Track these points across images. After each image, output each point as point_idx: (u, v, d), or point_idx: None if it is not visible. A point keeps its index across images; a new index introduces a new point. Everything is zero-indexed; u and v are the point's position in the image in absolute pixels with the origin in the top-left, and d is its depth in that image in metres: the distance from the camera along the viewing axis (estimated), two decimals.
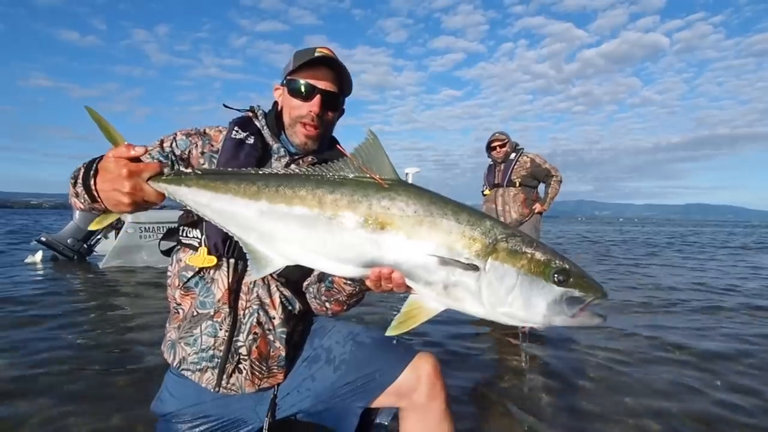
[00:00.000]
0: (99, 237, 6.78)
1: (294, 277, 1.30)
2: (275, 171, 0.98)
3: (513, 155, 4.94)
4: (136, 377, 2.17)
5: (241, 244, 1.00)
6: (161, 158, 1.27)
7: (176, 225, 1.35)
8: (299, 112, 1.28)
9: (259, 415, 1.34)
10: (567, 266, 0.85)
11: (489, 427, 1.80)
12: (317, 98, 1.26)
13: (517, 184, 4.89)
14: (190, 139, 1.32)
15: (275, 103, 1.41)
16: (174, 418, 1.33)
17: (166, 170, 0.99)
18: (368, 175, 0.91)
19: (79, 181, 1.04)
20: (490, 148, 5.01)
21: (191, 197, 1.01)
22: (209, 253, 1.23)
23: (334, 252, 0.91)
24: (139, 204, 0.98)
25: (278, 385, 1.33)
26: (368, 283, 0.96)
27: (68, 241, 6.49)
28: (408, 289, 0.93)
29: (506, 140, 4.95)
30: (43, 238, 6.59)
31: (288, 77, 1.30)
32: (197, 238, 1.26)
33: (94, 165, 1.01)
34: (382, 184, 0.90)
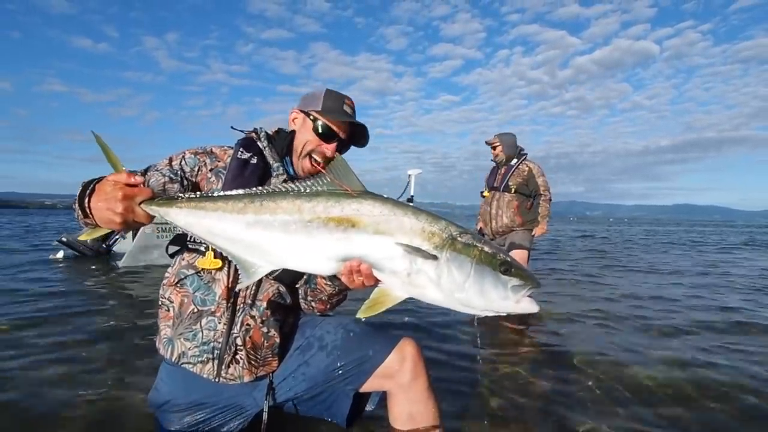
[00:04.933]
0: (117, 237, 6.86)
1: (287, 277, 1.37)
2: (259, 190, 1.06)
3: (515, 161, 4.93)
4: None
5: (230, 257, 1.09)
6: (171, 175, 1.31)
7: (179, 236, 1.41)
8: (313, 148, 1.39)
9: (256, 401, 1.39)
10: (509, 259, 0.96)
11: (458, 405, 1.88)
12: (334, 144, 1.38)
13: (512, 191, 4.88)
14: (198, 157, 1.39)
15: (281, 129, 1.49)
16: (171, 407, 1.37)
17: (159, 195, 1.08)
18: (339, 187, 1.02)
19: (77, 198, 1.08)
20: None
21: (181, 218, 1.08)
22: (215, 257, 1.30)
23: (313, 252, 1.01)
24: (130, 224, 1.05)
25: (273, 372, 1.39)
26: (342, 278, 1.05)
27: (87, 241, 6.56)
28: (376, 281, 1.03)
29: (497, 143, 4.99)
30: (63, 239, 6.66)
31: (314, 113, 1.39)
32: (203, 243, 1.30)
33: (92, 185, 1.06)
34: (352, 192, 1.01)
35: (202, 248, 1.33)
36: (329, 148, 1.38)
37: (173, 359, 1.33)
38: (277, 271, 1.26)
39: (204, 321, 1.32)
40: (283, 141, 1.45)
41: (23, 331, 2.71)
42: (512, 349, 2.64)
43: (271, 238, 1.02)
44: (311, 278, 1.39)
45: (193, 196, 1.10)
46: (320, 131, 1.38)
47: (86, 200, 1.05)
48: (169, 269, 1.41)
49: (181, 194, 1.12)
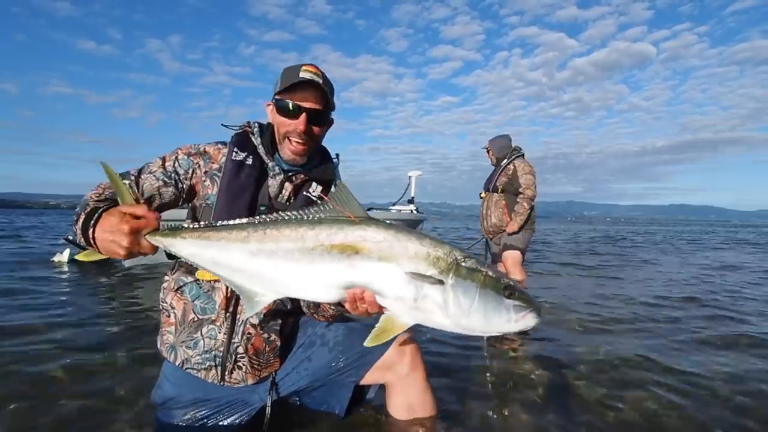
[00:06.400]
0: None
1: None
2: (262, 218, 1.04)
3: (505, 161, 4.99)
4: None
5: (232, 287, 1.07)
6: (165, 179, 1.28)
7: None
8: (286, 129, 1.30)
9: (260, 396, 1.39)
10: (512, 284, 0.97)
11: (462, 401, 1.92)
12: (303, 117, 1.28)
13: (499, 191, 4.94)
14: (191, 159, 1.33)
15: (269, 123, 1.41)
16: (175, 404, 1.36)
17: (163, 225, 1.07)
18: (342, 214, 1.00)
19: (79, 224, 1.06)
20: None
21: (185, 248, 1.07)
22: None
23: (317, 280, 0.99)
24: (133, 255, 1.03)
25: (276, 371, 1.40)
26: (347, 305, 1.02)
27: None
28: (380, 309, 1.00)
29: (489, 148, 5.05)
30: (70, 237, 6.68)
31: (276, 97, 1.31)
32: None
33: (96, 214, 1.04)
34: (354, 219, 0.99)
35: None
36: (299, 124, 1.28)
37: (177, 364, 1.33)
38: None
39: (204, 329, 1.31)
40: (268, 138, 1.38)
41: (27, 329, 2.74)
42: (514, 344, 2.68)
43: (274, 266, 1.01)
44: None
45: (197, 226, 1.09)
46: (282, 111, 1.29)
47: (90, 230, 1.02)
48: (168, 273, 1.40)
49: (185, 224, 1.10)
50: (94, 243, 1.03)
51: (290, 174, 1.37)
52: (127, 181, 1.20)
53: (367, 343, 0.99)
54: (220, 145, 1.38)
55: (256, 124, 1.41)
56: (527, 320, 0.95)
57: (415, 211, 8.78)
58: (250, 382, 1.35)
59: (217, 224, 1.07)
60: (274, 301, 1.32)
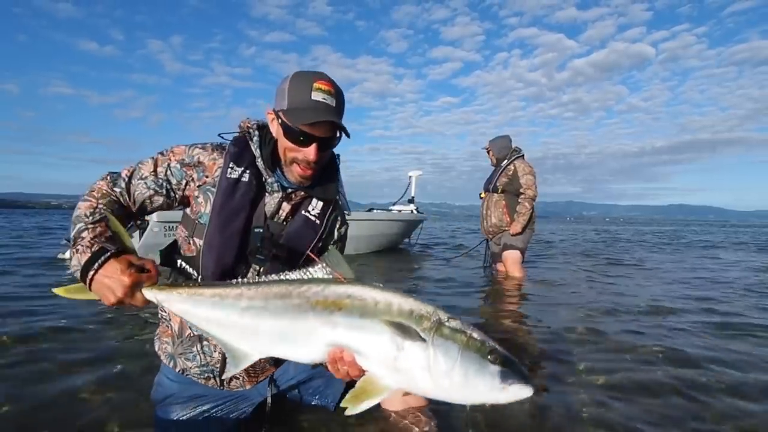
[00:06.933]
0: None
1: None
2: (257, 280, 1.05)
3: (505, 162, 4.99)
4: None
5: (220, 345, 1.06)
6: (156, 188, 1.22)
7: (173, 247, 1.32)
8: (294, 155, 1.20)
9: (259, 390, 1.40)
10: (498, 348, 0.91)
11: None
12: (314, 147, 1.17)
13: (500, 191, 4.94)
14: (184, 170, 1.25)
15: (268, 131, 1.28)
16: (175, 399, 1.35)
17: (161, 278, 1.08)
18: (332, 275, 1.01)
19: (79, 259, 1.02)
20: None
21: (179, 305, 1.06)
22: None
23: (299, 336, 0.98)
24: (122, 305, 1.02)
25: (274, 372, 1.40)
26: (329, 366, 0.99)
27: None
28: (361, 372, 0.96)
29: (489, 148, 5.06)
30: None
31: (282, 116, 1.17)
32: (191, 274, 1.25)
33: (103, 257, 1.01)
34: (342, 280, 1.00)
35: (192, 276, 1.25)
36: (309, 153, 1.18)
37: (176, 371, 1.33)
38: None
39: (200, 345, 1.30)
40: (269, 152, 1.27)
41: (29, 329, 2.74)
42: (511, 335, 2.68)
43: (261, 323, 1.00)
44: None
45: (191, 283, 1.11)
46: (290, 137, 1.17)
47: (92, 272, 0.99)
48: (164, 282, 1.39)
49: (180, 282, 1.12)
50: (89, 284, 1.01)
51: (290, 191, 1.29)
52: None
53: (344, 403, 0.94)
54: (215, 155, 1.26)
55: (256, 131, 1.27)
56: (514, 390, 0.87)
57: (415, 211, 8.78)
58: (248, 387, 1.37)
59: (213, 283, 1.11)
60: None
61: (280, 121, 1.18)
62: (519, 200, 4.80)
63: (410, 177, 8.96)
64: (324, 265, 1.02)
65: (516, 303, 3.95)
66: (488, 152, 5.13)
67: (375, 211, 8.42)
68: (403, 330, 0.90)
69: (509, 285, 4.71)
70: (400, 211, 8.66)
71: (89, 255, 1.02)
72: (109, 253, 1.02)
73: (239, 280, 1.07)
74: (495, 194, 4.97)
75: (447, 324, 0.92)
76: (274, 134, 1.25)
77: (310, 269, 1.03)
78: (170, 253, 1.29)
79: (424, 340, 0.89)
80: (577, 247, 11.05)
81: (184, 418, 1.35)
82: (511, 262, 4.97)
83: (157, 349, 1.39)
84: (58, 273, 5.11)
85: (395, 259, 7.52)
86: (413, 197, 9.12)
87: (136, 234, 6.45)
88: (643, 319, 3.36)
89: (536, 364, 2.34)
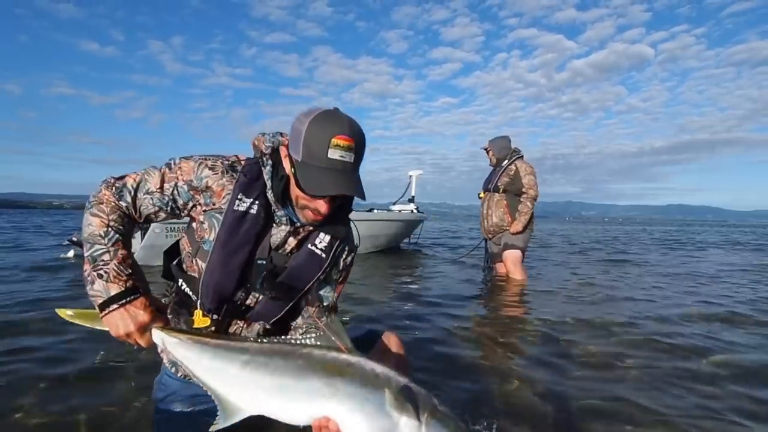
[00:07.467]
0: None
1: (269, 315, 1.29)
2: (262, 339, 1.09)
3: (505, 162, 4.99)
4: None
5: (213, 396, 1.07)
6: (161, 205, 1.19)
7: (175, 254, 1.36)
8: (306, 203, 1.15)
9: None
10: None
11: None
12: (326, 201, 1.14)
13: (501, 191, 4.94)
14: (192, 193, 1.21)
15: (281, 163, 1.19)
16: (177, 397, 1.34)
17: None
18: (334, 343, 1.03)
19: (100, 285, 1.06)
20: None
21: (182, 351, 1.10)
22: (203, 315, 1.23)
23: (296, 396, 0.98)
24: (129, 339, 1.08)
25: None
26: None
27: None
28: None
29: (489, 148, 5.06)
30: (74, 238, 6.68)
31: (296, 169, 1.12)
32: (191, 296, 1.25)
33: (132, 296, 1.07)
34: (344, 349, 1.02)
35: (192, 297, 1.25)
36: (321, 206, 1.15)
37: (179, 377, 1.33)
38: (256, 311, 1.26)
39: None
40: (280, 188, 1.20)
41: (29, 329, 2.75)
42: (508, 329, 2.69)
43: (263, 379, 1.01)
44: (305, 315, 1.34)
45: (196, 330, 1.16)
46: (302, 190, 1.12)
47: (115, 306, 1.05)
48: (167, 291, 1.37)
49: (188, 330, 1.16)
50: (102, 312, 1.05)
51: (298, 226, 1.25)
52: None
53: None
54: (225, 180, 1.20)
55: (269, 159, 1.20)
56: None
57: (415, 211, 8.79)
58: None
59: (219, 335, 1.17)
60: (260, 330, 1.29)
61: (293, 170, 1.13)
62: (521, 200, 4.80)
63: (410, 176, 8.96)
64: (326, 333, 1.05)
65: (516, 303, 3.95)
66: (488, 152, 5.13)
67: (375, 211, 8.42)
68: (403, 405, 0.91)
69: (509, 285, 4.72)
70: (400, 210, 8.66)
71: (121, 290, 1.07)
72: (140, 293, 1.09)
73: (245, 335, 1.13)
74: (496, 194, 4.97)
75: (440, 408, 0.94)
76: (287, 171, 1.17)
77: (312, 336, 1.06)
78: (172, 261, 1.32)
79: (419, 420, 0.91)
80: (575, 247, 11.06)
81: (184, 415, 1.34)
82: (512, 261, 4.98)
83: (159, 351, 1.37)
84: (58, 275, 5.10)
85: (395, 259, 7.52)
86: (413, 196, 9.11)
87: (138, 234, 6.45)
88: (644, 314, 3.37)
89: (540, 359, 2.35)
